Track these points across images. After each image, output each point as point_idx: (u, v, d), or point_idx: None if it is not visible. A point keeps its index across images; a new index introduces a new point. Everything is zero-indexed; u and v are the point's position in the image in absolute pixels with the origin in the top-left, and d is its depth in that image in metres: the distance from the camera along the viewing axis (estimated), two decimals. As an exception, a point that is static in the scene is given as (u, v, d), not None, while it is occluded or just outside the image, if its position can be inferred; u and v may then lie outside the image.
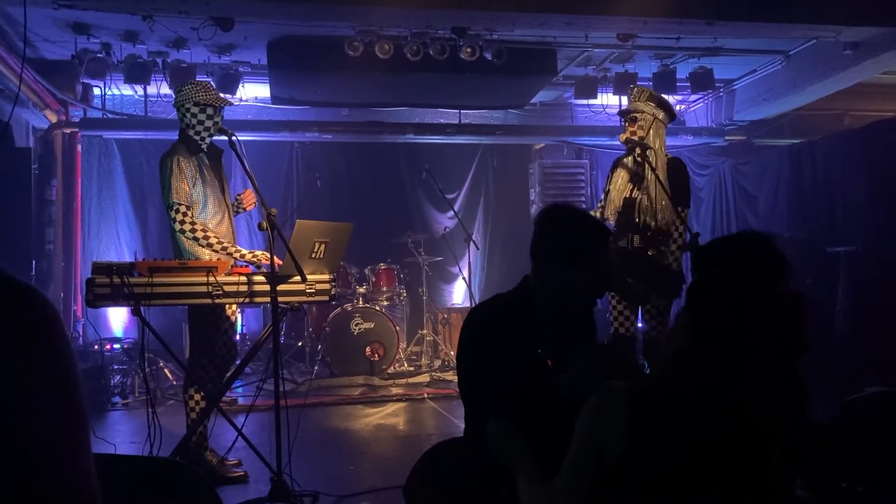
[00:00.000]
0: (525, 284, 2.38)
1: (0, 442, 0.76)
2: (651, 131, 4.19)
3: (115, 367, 6.62)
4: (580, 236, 2.29)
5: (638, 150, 4.18)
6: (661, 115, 4.24)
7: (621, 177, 4.28)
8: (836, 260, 6.40)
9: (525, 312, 2.29)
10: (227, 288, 3.76)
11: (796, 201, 7.43)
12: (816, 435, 2.40)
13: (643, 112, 4.21)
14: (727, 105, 8.64)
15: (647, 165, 4.12)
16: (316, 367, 7.13)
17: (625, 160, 4.32)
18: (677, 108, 9.17)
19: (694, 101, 9.02)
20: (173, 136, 4.29)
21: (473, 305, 7.68)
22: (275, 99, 7.69)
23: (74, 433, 0.83)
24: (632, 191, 4.21)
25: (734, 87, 8.45)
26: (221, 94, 4.23)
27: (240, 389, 6.66)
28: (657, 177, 4.08)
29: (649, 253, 4.15)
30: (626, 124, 4.24)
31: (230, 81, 7.16)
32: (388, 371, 7.12)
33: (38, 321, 0.83)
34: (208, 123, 4.09)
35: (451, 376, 7.23)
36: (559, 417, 2.02)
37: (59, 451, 0.80)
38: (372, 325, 7.09)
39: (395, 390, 6.76)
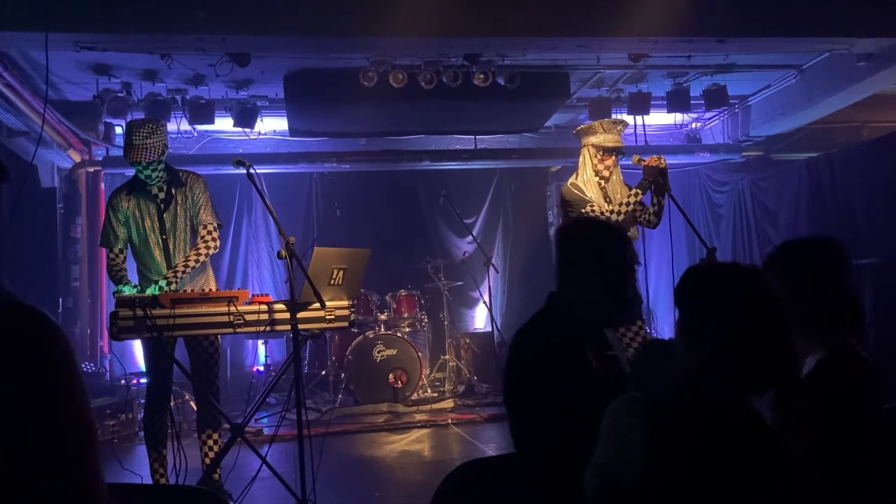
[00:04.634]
0: (556, 302, 2.41)
1: (5, 453, 0.79)
2: None
3: (141, 401, 6.66)
4: (602, 240, 2.38)
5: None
6: None
7: (598, 193, 4.38)
8: (862, 273, 6.32)
9: (567, 328, 2.33)
10: (248, 317, 3.81)
11: (817, 215, 7.37)
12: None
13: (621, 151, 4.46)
14: (743, 121, 8.62)
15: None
16: (340, 396, 7.14)
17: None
18: (693, 125, 9.19)
19: (709, 119, 9.01)
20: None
21: (496, 329, 7.70)
22: (293, 131, 7.80)
23: (81, 445, 0.85)
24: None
25: (749, 103, 8.44)
26: (143, 142, 4.01)
27: (265, 420, 6.69)
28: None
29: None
30: (613, 159, 4.39)
31: (248, 116, 7.28)
32: (412, 397, 7.12)
33: (43, 342, 0.86)
34: (143, 174, 4.16)
35: (475, 402, 7.21)
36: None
37: (65, 463, 0.83)
38: (394, 352, 7.10)
39: (419, 417, 6.75)
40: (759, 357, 1.65)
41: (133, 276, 4.22)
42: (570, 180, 4.41)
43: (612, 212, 4.17)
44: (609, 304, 2.37)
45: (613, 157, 4.36)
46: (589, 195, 4.27)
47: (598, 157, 4.35)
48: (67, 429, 0.84)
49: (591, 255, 2.36)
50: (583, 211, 4.19)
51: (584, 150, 4.42)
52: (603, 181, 4.37)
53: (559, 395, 2.19)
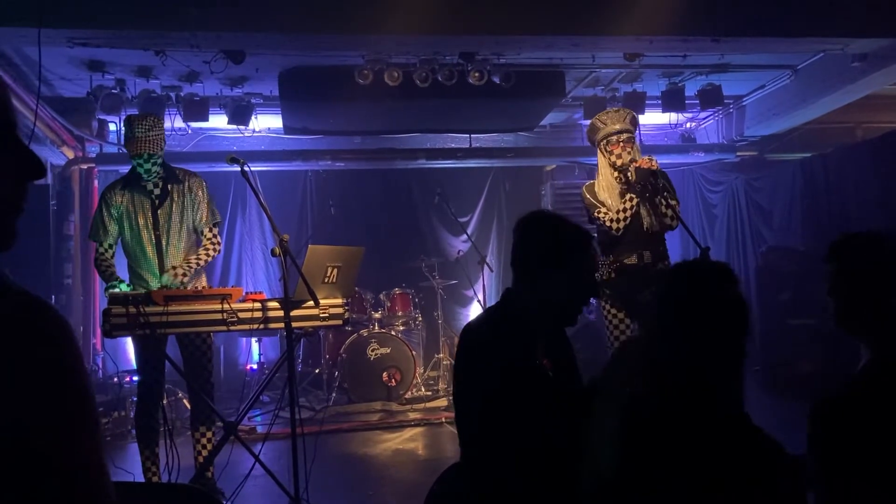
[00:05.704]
0: (510, 297, 2.33)
1: (12, 454, 0.78)
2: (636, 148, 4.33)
3: (134, 399, 6.64)
4: (564, 239, 2.29)
5: (632, 168, 4.21)
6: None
7: (615, 193, 4.26)
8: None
9: (521, 326, 2.25)
10: (241, 315, 3.80)
11: (811, 215, 7.39)
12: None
13: (632, 132, 4.33)
14: (737, 121, 8.63)
15: (658, 179, 4.18)
16: (333, 394, 7.13)
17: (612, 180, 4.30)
18: (687, 125, 9.20)
19: (704, 119, 9.02)
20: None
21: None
22: (287, 129, 7.78)
23: (86, 444, 0.84)
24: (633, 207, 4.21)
25: (744, 103, 8.45)
26: (147, 136, 4.04)
27: (258, 418, 6.67)
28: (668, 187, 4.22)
29: (659, 267, 4.18)
30: (622, 144, 4.24)
31: (243, 113, 7.26)
32: (406, 396, 7.11)
33: (48, 332, 0.85)
34: (143, 167, 4.14)
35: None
36: (567, 425, 2.01)
37: (73, 462, 0.82)
38: (388, 351, 7.09)
39: (412, 415, 6.75)
40: (714, 352, 1.68)
41: (123, 274, 4.21)
42: (591, 181, 4.37)
43: (611, 220, 4.16)
44: (565, 306, 2.28)
45: (621, 144, 4.22)
46: (602, 198, 4.24)
47: (608, 149, 4.26)
48: (69, 417, 0.83)
49: (550, 255, 2.25)
50: (592, 216, 4.24)
51: (598, 150, 4.36)
52: (623, 175, 4.22)
53: (504, 398, 2.09)
